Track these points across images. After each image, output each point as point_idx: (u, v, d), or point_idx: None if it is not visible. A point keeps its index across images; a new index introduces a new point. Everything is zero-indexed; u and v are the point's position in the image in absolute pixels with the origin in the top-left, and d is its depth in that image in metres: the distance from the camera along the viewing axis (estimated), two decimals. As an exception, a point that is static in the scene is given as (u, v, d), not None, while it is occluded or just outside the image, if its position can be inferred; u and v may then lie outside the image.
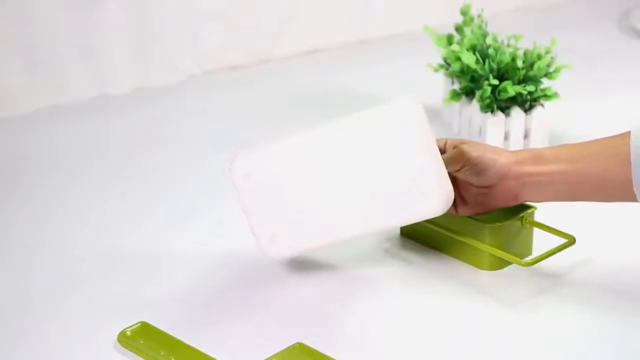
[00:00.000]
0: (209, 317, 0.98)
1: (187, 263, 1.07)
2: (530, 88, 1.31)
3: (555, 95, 1.33)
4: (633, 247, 1.09)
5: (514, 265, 1.03)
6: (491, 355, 0.91)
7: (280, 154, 1.00)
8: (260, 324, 0.96)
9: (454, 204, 1.01)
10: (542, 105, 1.34)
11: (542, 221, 1.06)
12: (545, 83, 1.41)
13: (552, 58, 1.34)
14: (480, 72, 1.33)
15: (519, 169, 0.99)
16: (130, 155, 1.38)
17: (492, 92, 1.32)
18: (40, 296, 1.02)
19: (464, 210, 1.02)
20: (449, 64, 1.43)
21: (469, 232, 1.04)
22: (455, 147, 1.01)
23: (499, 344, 0.93)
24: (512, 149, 1.31)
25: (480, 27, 1.39)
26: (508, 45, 1.37)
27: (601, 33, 1.93)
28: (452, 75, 1.42)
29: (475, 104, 1.35)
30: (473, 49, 1.36)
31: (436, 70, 1.45)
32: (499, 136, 1.33)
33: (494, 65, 1.32)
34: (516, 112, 1.33)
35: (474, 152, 1.00)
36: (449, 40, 1.42)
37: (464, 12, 1.43)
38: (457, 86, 1.41)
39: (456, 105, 1.41)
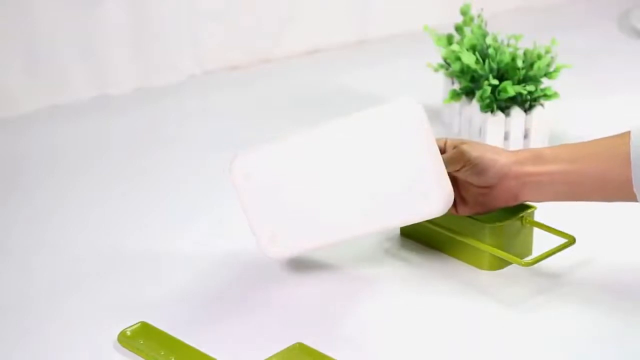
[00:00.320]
0: (209, 317, 0.98)
1: (187, 263, 1.07)
2: (530, 88, 1.31)
3: (555, 95, 1.33)
4: (633, 247, 1.09)
5: (514, 265, 1.03)
6: (491, 355, 0.91)
7: (281, 154, 1.00)
8: (260, 324, 0.96)
9: (454, 203, 1.01)
10: (542, 105, 1.34)
11: (542, 221, 1.06)
12: (545, 83, 1.41)
13: (552, 58, 1.34)
14: (480, 72, 1.33)
15: (519, 169, 0.99)
16: (130, 155, 1.38)
17: (492, 92, 1.32)
18: (40, 296, 1.02)
19: (464, 210, 1.02)
20: (449, 64, 1.43)
21: (469, 232, 1.04)
22: (455, 147, 1.01)
23: (499, 344, 0.93)
24: (512, 148, 1.31)
25: (480, 27, 1.39)
26: (508, 45, 1.37)
27: (601, 33, 1.93)
28: (452, 75, 1.42)
29: (475, 104, 1.35)
30: (473, 48, 1.36)
31: (436, 70, 1.45)
32: (499, 136, 1.33)
33: (494, 65, 1.32)
34: (516, 112, 1.33)
35: (474, 152, 1.00)
36: (449, 40, 1.42)
37: (463, 12, 1.43)
38: (457, 86, 1.41)
39: (456, 105, 1.41)
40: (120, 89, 1.62)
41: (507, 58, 1.32)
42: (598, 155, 0.97)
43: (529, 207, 1.05)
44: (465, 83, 1.37)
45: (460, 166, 1.00)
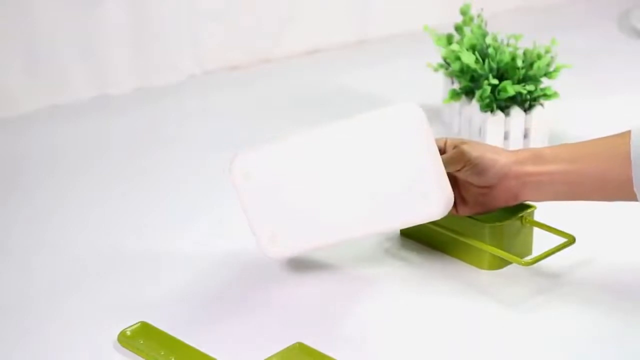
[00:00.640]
0: (209, 317, 0.98)
1: (187, 263, 1.07)
2: (530, 87, 1.31)
3: (555, 94, 1.33)
4: (633, 247, 1.09)
5: (514, 264, 1.03)
6: (491, 355, 0.91)
7: (281, 154, 1.00)
8: (260, 324, 0.96)
9: (454, 203, 1.01)
10: (541, 104, 1.34)
11: (542, 221, 1.06)
12: (545, 82, 1.41)
13: (551, 57, 1.34)
14: (479, 71, 1.33)
15: (519, 168, 0.99)
16: (130, 155, 1.38)
17: (492, 91, 1.32)
18: (40, 296, 1.02)
19: (464, 210, 1.02)
20: (448, 64, 1.43)
21: (469, 231, 1.04)
22: (455, 146, 1.01)
23: (499, 344, 0.92)
24: (511, 148, 1.31)
25: (480, 26, 1.39)
26: (508, 45, 1.37)
27: (601, 33, 1.93)
28: (452, 75, 1.42)
29: (475, 104, 1.35)
30: (473, 48, 1.36)
31: (436, 70, 1.45)
32: (499, 136, 1.33)
33: (494, 65, 1.32)
34: (516, 111, 1.33)
35: (474, 152, 1.00)
36: (449, 39, 1.42)
37: (463, 12, 1.43)
38: (456, 86, 1.41)
39: (456, 105, 1.41)
40: (120, 89, 1.62)
41: (506, 58, 1.32)
42: (598, 155, 0.97)
43: (529, 206, 1.05)
44: (465, 83, 1.37)
45: (461, 166, 1.00)
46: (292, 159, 1.00)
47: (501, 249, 1.02)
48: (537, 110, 1.34)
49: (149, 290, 1.03)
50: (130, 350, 0.91)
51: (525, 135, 1.35)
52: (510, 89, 1.30)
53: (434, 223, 1.05)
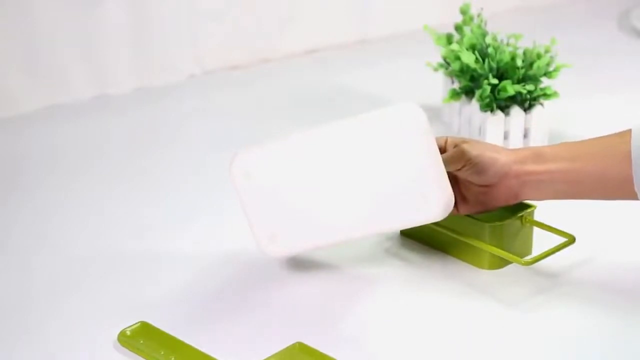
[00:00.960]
0: (209, 317, 0.98)
1: (187, 263, 1.07)
2: (530, 87, 1.31)
3: (554, 94, 1.33)
4: (633, 246, 1.09)
5: (514, 264, 1.03)
6: (491, 355, 0.91)
7: (281, 154, 1.00)
8: (260, 324, 0.96)
9: (455, 203, 1.01)
10: (541, 104, 1.34)
11: (542, 220, 1.06)
12: (545, 82, 1.41)
13: (551, 57, 1.34)
14: (479, 71, 1.33)
15: (519, 167, 0.99)
16: (130, 155, 1.38)
17: (492, 91, 1.32)
18: (40, 296, 1.02)
19: (464, 209, 1.02)
20: (448, 63, 1.43)
21: (469, 231, 1.04)
22: (455, 145, 1.01)
23: (499, 343, 0.92)
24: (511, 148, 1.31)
25: (479, 26, 1.39)
26: (507, 45, 1.37)
27: (601, 33, 1.93)
28: (452, 75, 1.42)
29: (474, 103, 1.35)
30: (472, 48, 1.36)
31: (436, 69, 1.45)
32: (499, 135, 1.33)
33: (494, 65, 1.32)
34: (516, 111, 1.33)
35: (474, 151, 0.99)
36: (449, 39, 1.42)
37: (463, 12, 1.43)
38: (456, 85, 1.41)
39: (456, 104, 1.41)
40: (120, 89, 1.62)
41: (506, 57, 1.32)
42: (598, 154, 0.97)
43: (529, 206, 1.05)
44: (464, 82, 1.37)
45: (461, 165, 1.00)
46: (292, 159, 1.00)
47: (501, 249, 1.02)
48: (537, 109, 1.34)
49: (149, 290, 1.03)
50: (130, 350, 0.91)
51: (525, 135, 1.35)
52: (510, 88, 1.30)
53: (434, 223, 1.05)
